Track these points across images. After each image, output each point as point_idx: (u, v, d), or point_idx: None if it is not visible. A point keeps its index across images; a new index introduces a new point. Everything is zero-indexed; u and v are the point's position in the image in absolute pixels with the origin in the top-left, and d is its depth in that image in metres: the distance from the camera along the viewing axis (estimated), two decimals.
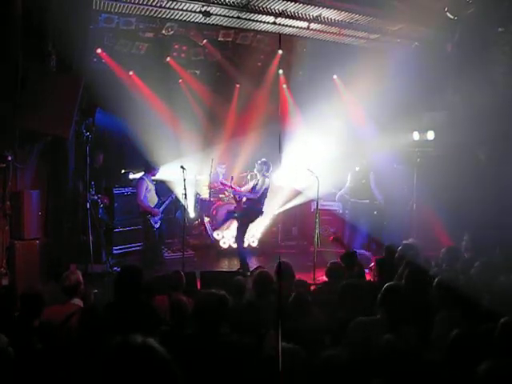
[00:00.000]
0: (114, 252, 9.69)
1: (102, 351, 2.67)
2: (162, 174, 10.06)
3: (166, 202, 9.75)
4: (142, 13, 9.66)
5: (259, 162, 9.64)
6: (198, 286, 6.92)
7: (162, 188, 10.23)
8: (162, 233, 9.82)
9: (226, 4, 9.28)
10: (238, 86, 12.68)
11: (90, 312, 3.96)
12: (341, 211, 11.94)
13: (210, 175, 11.50)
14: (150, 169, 9.61)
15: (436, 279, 4.57)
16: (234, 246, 11.07)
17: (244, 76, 12.13)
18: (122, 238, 9.96)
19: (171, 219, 10.96)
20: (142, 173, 9.66)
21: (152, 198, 9.67)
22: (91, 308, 4.21)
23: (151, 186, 9.67)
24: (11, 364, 2.99)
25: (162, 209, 9.67)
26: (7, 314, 4.14)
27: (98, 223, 8.88)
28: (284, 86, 12.66)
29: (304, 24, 10.24)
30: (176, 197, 9.91)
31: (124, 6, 9.30)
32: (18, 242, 7.72)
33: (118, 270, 7.50)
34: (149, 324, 4.23)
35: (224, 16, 9.76)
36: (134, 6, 9.22)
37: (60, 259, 8.44)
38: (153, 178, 9.72)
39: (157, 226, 9.61)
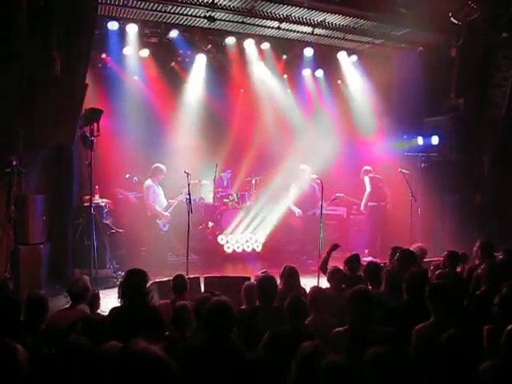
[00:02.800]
0: (118, 256, 9.67)
1: (105, 357, 2.67)
2: (167, 179, 10.07)
3: (175, 204, 9.79)
4: (147, 18, 9.70)
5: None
6: (202, 290, 6.90)
7: (170, 191, 10.24)
8: (169, 236, 9.85)
9: (231, 9, 9.32)
10: (242, 90, 12.68)
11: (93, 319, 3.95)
12: (345, 216, 11.95)
13: (214, 180, 11.51)
14: (156, 173, 9.65)
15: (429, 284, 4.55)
16: (238, 250, 11.08)
17: (248, 81, 12.14)
18: (126, 243, 9.93)
19: (175, 223, 10.92)
20: (149, 178, 9.70)
21: (160, 202, 9.76)
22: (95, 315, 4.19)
23: (158, 191, 9.73)
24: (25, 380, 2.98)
25: (169, 211, 9.74)
26: (12, 319, 4.12)
27: (103, 227, 8.87)
28: (288, 91, 12.67)
29: (308, 29, 10.26)
30: (181, 199, 9.91)
31: (129, 11, 9.36)
32: (23, 247, 7.72)
33: (123, 274, 7.49)
34: (153, 329, 4.23)
35: (228, 21, 9.81)
36: (138, 11, 9.28)
37: (64, 264, 8.45)
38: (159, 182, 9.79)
39: (165, 229, 9.69)
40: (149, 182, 9.69)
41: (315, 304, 4.79)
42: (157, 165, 9.72)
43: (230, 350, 3.57)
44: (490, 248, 6.55)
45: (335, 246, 6.98)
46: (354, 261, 6.46)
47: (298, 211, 10.78)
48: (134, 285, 4.60)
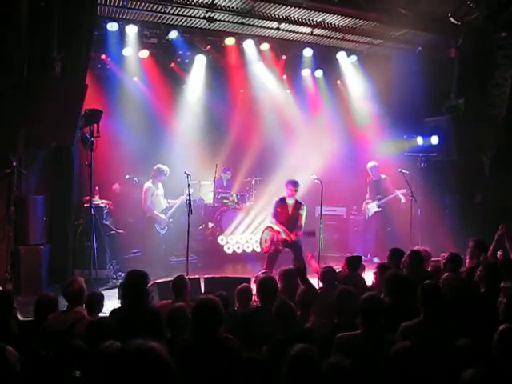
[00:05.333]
0: (119, 257, 9.68)
1: (105, 356, 2.67)
2: (166, 179, 10.08)
3: (175, 206, 9.78)
4: (147, 19, 9.71)
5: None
6: (202, 291, 6.91)
7: (169, 192, 10.27)
8: (170, 237, 9.85)
9: (230, 10, 9.33)
10: (242, 91, 12.68)
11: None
12: (345, 216, 11.92)
13: (214, 181, 11.51)
14: (157, 175, 9.67)
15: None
16: (238, 251, 11.08)
17: (248, 81, 12.14)
18: (126, 243, 9.94)
19: (175, 224, 10.97)
20: (150, 180, 9.72)
21: (159, 204, 9.79)
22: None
23: (158, 191, 9.76)
24: (17, 381, 2.99)
25: (169, 213, 9.79)
26: (5, 319, 4.12)
27: (103, 228, 8.87)
28: (288, 91, 12.67)
29: (307, 29, 10.27)
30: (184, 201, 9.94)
31: (128, 13, 9.36)
32: (23, 248, 7.73)
33: (123, 275, 7.49)
34: (153, 330, 4.22)
35: (228, 22, 9.82)
36: (138, 12, 9.28)
37: (64, 265, 8.44)
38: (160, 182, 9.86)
39: (163, 232, 9.67)
40: (148, 183, 9.72)
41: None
42: (158, 166, 9.74)
43: (216, 348, 3.57)
44: (483, 246, 6.61)
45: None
46: (355, 261, 6.54)
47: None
48: (133, 286, 4.60)
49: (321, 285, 6.10)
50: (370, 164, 10.99)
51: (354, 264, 6.52)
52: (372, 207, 10.98)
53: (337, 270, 6.31)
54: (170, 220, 9.84)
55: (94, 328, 3.83)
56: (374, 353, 3.58)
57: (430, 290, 4.36)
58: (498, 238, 6.80)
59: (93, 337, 3.65)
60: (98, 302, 5.27)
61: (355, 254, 7.19)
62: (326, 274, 5.94)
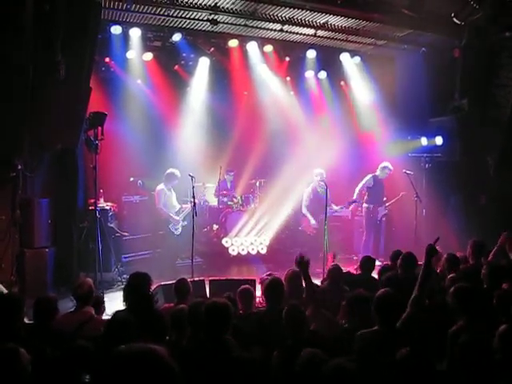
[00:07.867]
0: (123, 260, 9.71)
1: (108, 359, 2.68)
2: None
3: (187, 210, 9.81)
4: (150, 22, 9.73)
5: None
6: (207, 294, 6.91)
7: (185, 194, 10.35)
8: (184, 240, 9.92)
9: (234, 12, 9.34)
10: (245, 93, 12.69)
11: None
12: (350, 217, 11.89)
13: (218, 183, 11.53)
14: (169, 179, 9.83)
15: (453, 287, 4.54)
16: (243, 253, 11.09)
17: (251, 83, 12.15)
18: (130, 246, 9.98)
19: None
20: (162, 183, 9.87)
21: (171, 206, 9.92)
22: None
23: (169, 193, 9.90)
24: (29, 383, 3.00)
25: (182, 215, 9.91)
26: (15, 321, 4.13)
27: (107, 231, 8.90)
28: (291, 93, 12.68)
29: (311, 31, 10.27)
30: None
31: (132, 16, 9.39)
32: (28, 251, 7.78)
33: (127, 277, 7.50)
34: (156, 332, 4.23)
35: (231, 24, 9.84)
36: (142, 15, 9.30)
37: (69, 267, 8.47)
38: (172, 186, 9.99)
39: (177, 232, 9.79)
40: (160, 186, 9.90)
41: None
42: (170, 170, 9.87)
43: (221, 351, 3.55)
44: (482, 247, 6.57)
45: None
46: (369, 263, 6.57)
47: (313, 222, 10.79)
48: (136, 288, 4.62)
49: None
50: (387, 164, 10.76)
51: (368, 265, 6.55)
52: (381, 210, 10.94)
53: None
54: (185, 223, 9.87)
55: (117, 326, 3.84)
56: (391, 348, 3.57)
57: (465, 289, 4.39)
58: (500, 244, 6.77)
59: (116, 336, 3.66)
60: (98, 304, 5.32)
61: (367, 255, 7.16)
62: (333, 272, 5.97)
